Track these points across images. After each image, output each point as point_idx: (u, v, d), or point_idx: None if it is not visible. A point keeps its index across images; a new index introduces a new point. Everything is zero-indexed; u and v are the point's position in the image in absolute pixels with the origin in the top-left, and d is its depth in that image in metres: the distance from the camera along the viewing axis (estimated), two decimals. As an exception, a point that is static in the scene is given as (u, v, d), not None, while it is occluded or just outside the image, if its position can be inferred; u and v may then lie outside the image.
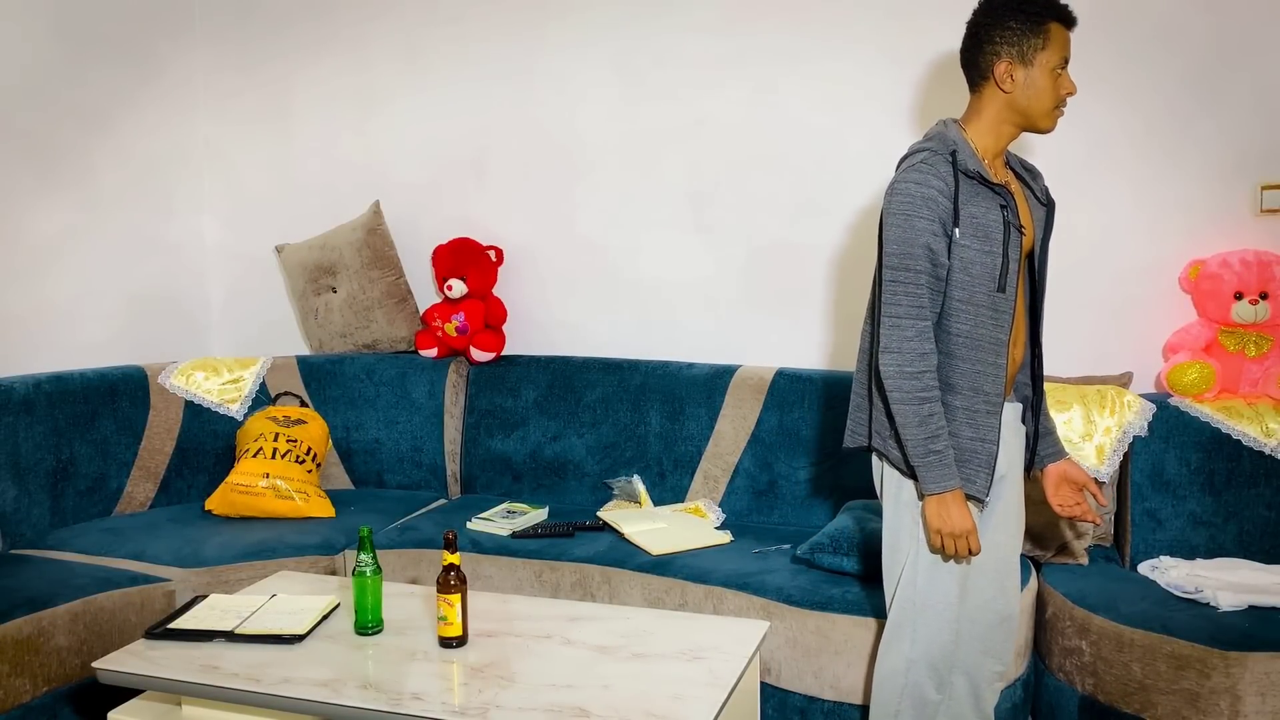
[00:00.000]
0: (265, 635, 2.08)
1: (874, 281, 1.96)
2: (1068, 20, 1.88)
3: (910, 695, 2.00)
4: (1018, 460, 2.07)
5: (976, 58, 1.91)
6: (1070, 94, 1.90)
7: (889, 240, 1.86)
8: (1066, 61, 1.88)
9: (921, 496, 1.90)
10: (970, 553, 1.88)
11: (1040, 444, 2.11)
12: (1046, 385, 2.59)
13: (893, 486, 1.98)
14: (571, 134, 3.41)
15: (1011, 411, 2.03)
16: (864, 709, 2.32)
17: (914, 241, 1.83)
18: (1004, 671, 2.11)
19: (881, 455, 1.98)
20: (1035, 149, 2.82)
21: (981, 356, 1.88)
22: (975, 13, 1.92)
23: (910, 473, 1.92)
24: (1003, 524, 2.03)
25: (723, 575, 2.53)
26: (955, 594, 1.95)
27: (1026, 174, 2.04)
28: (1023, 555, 2.42)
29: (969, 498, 1.90)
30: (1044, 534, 2.59)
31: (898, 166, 1.93)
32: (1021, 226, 1.90)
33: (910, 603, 1.97)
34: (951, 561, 1.94)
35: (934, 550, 1.92)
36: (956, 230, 1.84)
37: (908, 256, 1.84)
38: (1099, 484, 2.50)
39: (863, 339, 2.03)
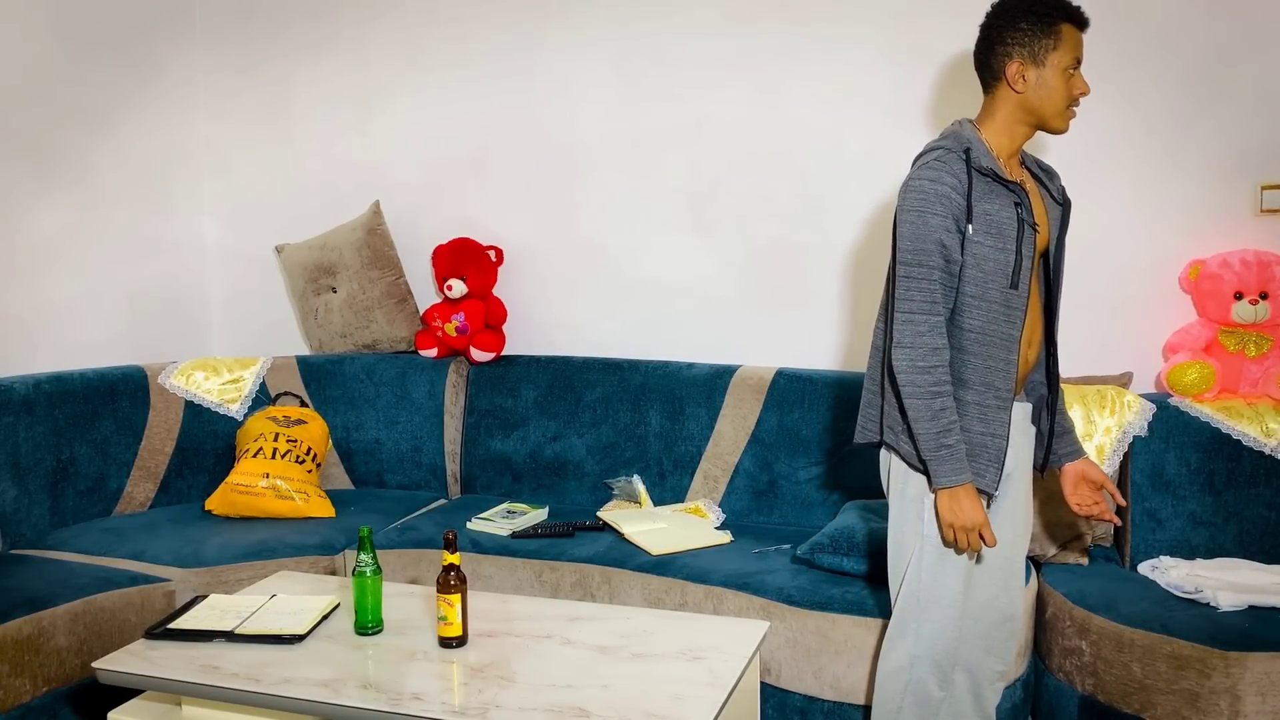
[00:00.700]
0: (265, 635, 2.08)
1: (887, 278, 1.97)
2: (1079, 21, 1.90)
3: (913, 692, 2.00)
4: (1026, 459, 2.07)
5: (989, 59, 1.93)
6: (1083, 94, 1.91)
7: (902, 236, 1.88)
8: (1079, 62, 1.90)
9: (933, 490, 1.91)
10: (985, 545, 1.89)
11: (1058, 443, 2.12)
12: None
13: (899, 481, 1.99)
14: (571, 134, 3.41)
15: (1021, 411, 2.04)
16: (864, 709, 2.32)
17: (927, 238, 1.85)
18: (1005, 671, 2.11)
19: (892, 449, 1.99)
20: (1035, 149, 2.82)
21: (993, 352, 1.89)
22: (988, 14, 1.94)
23: (922, 467, 1.93)
24: (1008, 522, 2.04)
25: (723, 575, 2.53)
26: (960, 589, 1.96)
27: (1043, 174, 2.06)
28: (1023, 555, 2.42)
29: (980, 491, 1.91)
30: (1057, 529, 2.59)
31: (913, 165, 1.94)
32: (1035, 224, 1.92)
33: (914, 598, 1.98)
34: (957, 556, 1.95)
35: (947, 544, 1.93)
36: (970, 226, 1.85)
37: (921, 252, 1.85)
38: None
39: (875, 335, 2.04)
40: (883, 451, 2.04)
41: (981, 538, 1.88)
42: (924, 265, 1.86)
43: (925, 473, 1.92)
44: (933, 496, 1.92)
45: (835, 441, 2.95)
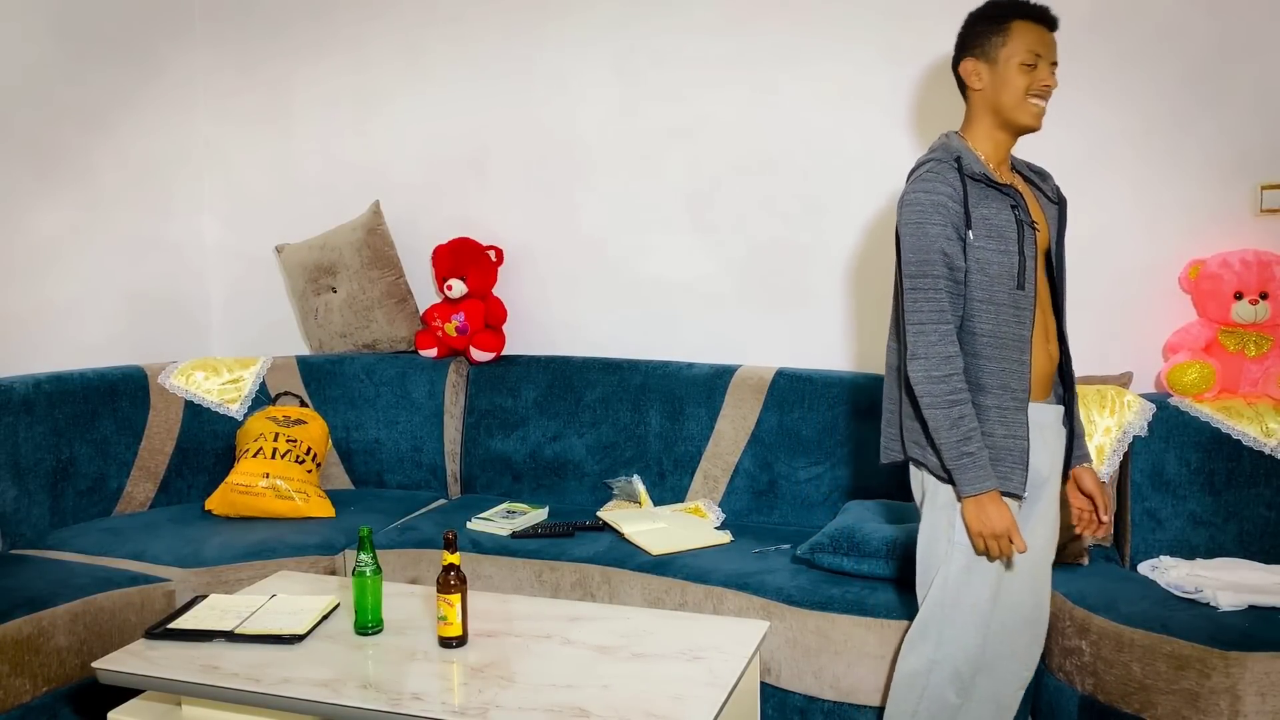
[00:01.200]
0: (265, 635, 2.08)
1: (894, 294, 1.98)
2: (1038, 18, 1.93)
3: (929, 698, 1.99)
4: (1059, 462, 2.05)
5: (956, 65, 2.02)
6: (1046, 86, 1.93)
7: (905, 249, 1.90)
8: (1038, 56, 1.92)
9: (959, 499, 1.91)
10: (1016, 551, 1.88)
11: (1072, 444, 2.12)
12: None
13: (931, 491, 1.99)
14: (572, 134, 3.41)
15: (1053, 414, 2.02)
16: (864, 709, 2.32)
17: (929, 248, 1.87)
18: (1029, 677, 2.09)
19: (919, 464, 1.99)
20: (1035, 149, 2.82)
21: (1007, 354, 1.90)
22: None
23: (948, 477, 1.92)
24: (1040, 525, 2.02)
25: (723, 575, 2.53)
26: (987, 598, 1.95)
27: (1036, 176, 2.08)
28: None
29: (1008, 495, 1.90)
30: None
31: (907, 179, 1.96)
32: (1035, 224, 1.93)
33: (940, 605, 1.97)
34: (987, 565, 1.93)
35: (978, 553, 1.92)
36: (969, 233, 1.87)
37: (924, 263, 1.87)
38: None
39: (888, 354, 2.05)
40: (911, 467, 2.03)
41: (1012, 544, 1.87)
42: (929, 275, 1.87)
43: (952, 482, 1.92)
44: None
45: (835, 441, 2.95)
